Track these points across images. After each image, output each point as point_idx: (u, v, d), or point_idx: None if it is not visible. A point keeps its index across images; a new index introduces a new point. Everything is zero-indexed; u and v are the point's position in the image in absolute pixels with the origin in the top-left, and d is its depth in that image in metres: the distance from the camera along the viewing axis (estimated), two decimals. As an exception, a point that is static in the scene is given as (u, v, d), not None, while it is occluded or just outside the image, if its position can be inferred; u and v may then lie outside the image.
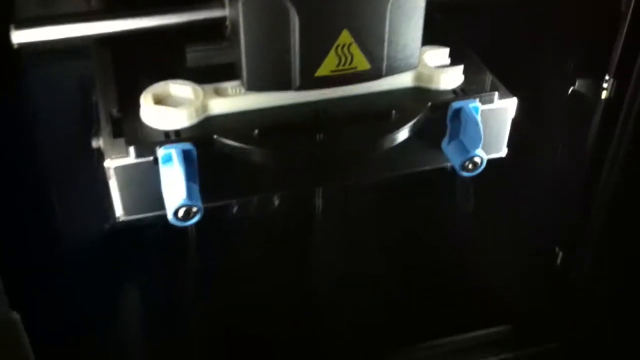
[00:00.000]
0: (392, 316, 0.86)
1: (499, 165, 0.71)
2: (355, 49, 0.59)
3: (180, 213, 0.59)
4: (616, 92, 0.63)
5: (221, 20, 0.63)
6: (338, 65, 0.60)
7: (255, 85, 0.60)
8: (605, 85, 0.64)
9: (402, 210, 0.97)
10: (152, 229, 0.76)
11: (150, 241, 0.84)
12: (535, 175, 0.82)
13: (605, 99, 0.64)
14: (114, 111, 0.64)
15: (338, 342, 0.85)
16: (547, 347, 0.83)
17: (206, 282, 0.91)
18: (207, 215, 0.61)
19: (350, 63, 0.60)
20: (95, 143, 0.65)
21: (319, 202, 0.87)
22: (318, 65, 0.59)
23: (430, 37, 0.68)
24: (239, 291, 0.89)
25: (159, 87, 0.63)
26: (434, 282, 0.90)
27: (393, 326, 0.84)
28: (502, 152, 0.72)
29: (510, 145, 0.71)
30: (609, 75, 0.64)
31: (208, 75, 0.65)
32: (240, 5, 0.55)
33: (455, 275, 0.89)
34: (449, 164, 0.70)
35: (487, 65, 0.72)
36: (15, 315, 0.54)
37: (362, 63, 0.60)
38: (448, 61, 0.70)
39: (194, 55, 0.65)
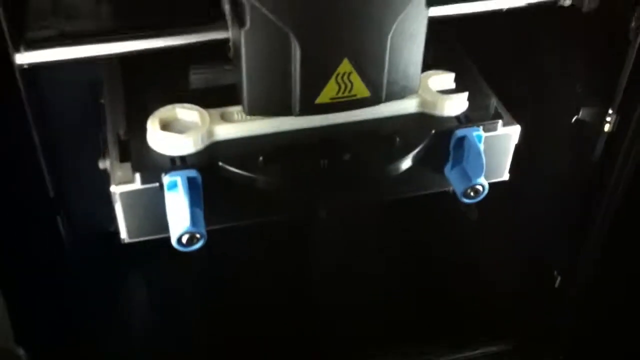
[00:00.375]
0: (391, 331, 0.86)
1: (499, 186, 0.71)
2: (355, 78, 0.60)
3: (184, 239, 0.60)
4: (619, 126, 0.63)
5: (225, 42, 0.63)
6: (338, 93, 0.60)
7: (255, 110, 0.61)
8: (608, 119, 0.64)
9: (402, 227, 0.98)
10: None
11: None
12: (534, 197, 0.82)
13: (608, 132, 0.65)
14: (122, 133, 0.65)
15: (334, 345, 0.86)
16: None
17: (206, 286, 0.93)
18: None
19: (350, 91, 0.60)
20: (102, 164, 0.66)
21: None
22: (318, 93, 0.60)
23: (435, 57, 0.69)
24: (238, 295, 0.90)
25: (166, 111, 0.64)
26: (433, 298, 0.90)
27: (392, 341, 0.85)
28: (504, 176, 0.72)
29: (512, 167, 0.72)
30: (612, 110, 0.64)
31: (216, 95, 0.66)
32: (242, 32, 0.56)
33: (455, 292, 0.90)
34: (451, 188, 0.71)
35: (492, 86, 0.72)
36: (21, 352, 0.55)
37: (361, 91, 0.61)
38: (453, 85, 0.70)
39: (197, 77, 0.66)
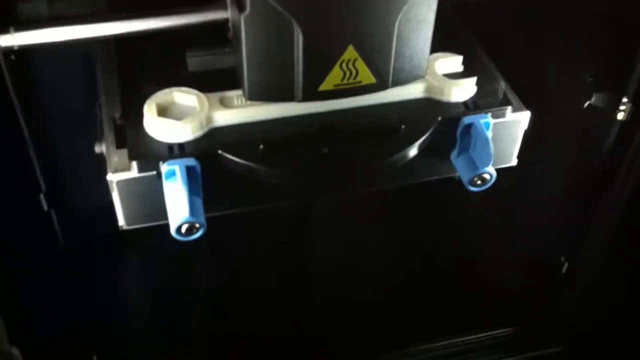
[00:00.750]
0: (395, 318, 0.85)
1: (508, 172, 0.70)
2: (361, 64, 0.57)
3: (183, 229, 0.59)
4: (633, 115, 0.61)
5: (224, 23, 0.61)
6: (342, 80, 0.58)
7: (256, 96, 0.59)
8: (622, 107, 0.62)
9: (406, 214, 0.96)
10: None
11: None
12: (544, 183, 0.80)
13: (622, 120, 0.62)
14: (117, 117, 0.63)
15: (338, 339, 0.86)
16: (550, 351, 0.83)
17: (206, 284, 0.91)
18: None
19: (355, 77, 0.58)
20: (99, 148, 0.64)
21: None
22: (322, 80, 0.58)
23: (443, 40, 0.66)
24: (239, 294, 0.89)
25: (163, 95, 0.62)
26: (437, 285, 0.89)
27: (396, 328, 0.84)
28: (512, 162, 0.70)
29: (520, 153, 0.70)
30: (628, 98, 0.61)
31: (214, 79, 0.63)
32: (242, 17, 0.54)
33: (459, 278, 0.89)
34: (456, 174, 0.69)
35: (501, 69, 0.70)
36: (15, 351, 0.54)
37: (367, 77, 0.59)
38: (461, 68, 0.68)
39: (195, 60, 0.64)
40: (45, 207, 0.66)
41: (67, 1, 0.61)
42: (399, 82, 0.61)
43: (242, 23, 0.54)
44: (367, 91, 0.60)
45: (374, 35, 0.56)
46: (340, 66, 0.57)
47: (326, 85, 0.58)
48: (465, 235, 0.93)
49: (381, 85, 0.59)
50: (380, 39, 0.56)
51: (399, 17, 0.55)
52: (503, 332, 0.84)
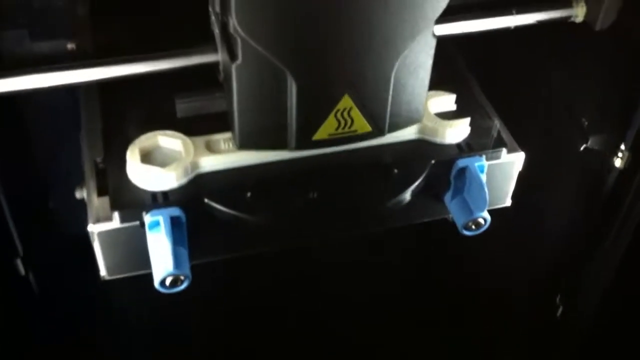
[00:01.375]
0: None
1: (503, 212, 0.68)
2: (356, 113, 0.56)
3: (167, 282, 0.56)
4: (632, 164, 0.59)
5: (214, 65, 0.59)
6: (337, 129, 0.56)
7: (247, 144, 0.57)
8: (620, 155, 0.60)
9: (399, 252, 0.95)
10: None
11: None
12: (538, 225, 0.79)
13: (620, 168, 0.60)
14: (99, 161, 0.61)
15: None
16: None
17: (207, 286, 0.89)
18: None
19: (350, 127, 0.56)
20: (79, 194, 0.62)
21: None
22: (316, 130, 0.56)
23: (437, 73, 0.64)
24: (239, 300, 0.87)
25: (146, 140, 0.60)
26: (429, 321, 0.88)
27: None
28: (507, 202, 0.69)
29: (515, 194, 0.68)
30: (625, 147, 0.60)
31: (200, 120, 0.61)
32: (233, 67, 0.52)
33: (451, 317, 0.87)
34: (450, 216, 0.67)
35: (494, 105, 0.68)
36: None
37: (362, 126, 0.57)
38: (454, 107, 0.66)
39: (184, 106, 0.61)
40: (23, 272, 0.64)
41: (48, 44, 0.59)
42: (395, 128, 0.59)
43: (234, 72, 0.52)
44: (362, 139, 0.58)
45: (370, 83, 0.54)
46: (335, 115, 0.55)
47: (320, 134, 0.56)
48: (458, 275, 0.91)
49: (377, 132, 0.58)
50: (377, 86, 0.54)
51: (396, 65, 0.53)
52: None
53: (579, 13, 0.66)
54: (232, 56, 0.51)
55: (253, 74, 0.52)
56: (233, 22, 0.48)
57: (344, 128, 0.56)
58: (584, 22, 0.65)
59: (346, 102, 0.54)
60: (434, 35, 0.55)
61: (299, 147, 0.56)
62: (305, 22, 0.49)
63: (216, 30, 0.56)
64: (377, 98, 0.55)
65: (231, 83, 0.53)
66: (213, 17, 0.56)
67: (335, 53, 0.51)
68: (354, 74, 0.53)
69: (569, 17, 0.66)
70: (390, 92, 0.55)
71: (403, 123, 0.59)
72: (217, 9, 0.52)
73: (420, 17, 0.51)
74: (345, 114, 0.55)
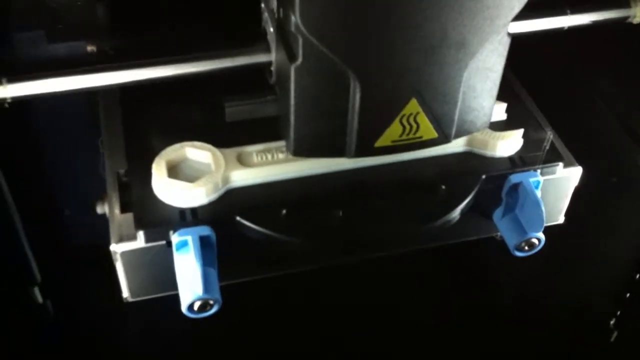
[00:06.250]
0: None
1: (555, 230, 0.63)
2: (423, 118, 0.51)
3: (196, 306, 0.52)
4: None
5: (264, 66, 0.54)
6: (402, 135, 0.51)
7: (302, 150, 0.52)
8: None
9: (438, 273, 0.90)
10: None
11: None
12: (592, 243, 0.73)
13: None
14: (122, 173, 0.56)
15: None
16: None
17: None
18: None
19: (415, 132, 0.51)
20: (101, 209, 0.58)
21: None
22: (379, 135, 0.51)
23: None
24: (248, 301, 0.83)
25: (173, 152, 0.55)
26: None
27: None
28: (560, 220, 0.64)
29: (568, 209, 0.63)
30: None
31: (230, 130, 0.56)
32: (292, 68, 0.47)
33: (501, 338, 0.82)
34: (498, 234, 0.62)
35: (546, 115, 0.63)
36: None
37: (428, 132, 0.52)
38: (504, 116, 0.61)
39: (233, 109, 0.55)
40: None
41: (67, 46, 0.55)
42: (462, 134, 0.54)
43: (292, 73, 0.47)
44: (427, 146, 0.53)
45: (439, 87, 0.49)
46: (400, 121, 0.50)
47: (383, 141, 0.51)
48: (507, 295, 0.86)
49: (443, 139, 0.53)
50: (446, 90, 0.49)
51: (467, 66, 0.49)
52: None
53: (637, 13, 0.61)
54: (291, 56, 0.47)
55: (314, 76, 0.47)
56: (296, 19, 0.44)
57: (408, 134, 0.51)
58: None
59: (413, 106, 0.50)
60: (509, 35, 0.50)
61: (359, 154, 0.52)
62: (373, 20, 0.44)
63: (270, 29, 0.51)
64: (446, 102, 0.50)
65: (289, 85, 0.48)
66: (266, 14, 0.52)
67: (403, 54, 0.46)
68: (423, 77, 0.48)
69: (626, 17, 0.62)
70: (460, 96, 0.50)
71: (470, 129, 0.54)
72: (273, 5, 0.48)
73: (497, 16, 0.46)
74: (411, 119, 0.50)
